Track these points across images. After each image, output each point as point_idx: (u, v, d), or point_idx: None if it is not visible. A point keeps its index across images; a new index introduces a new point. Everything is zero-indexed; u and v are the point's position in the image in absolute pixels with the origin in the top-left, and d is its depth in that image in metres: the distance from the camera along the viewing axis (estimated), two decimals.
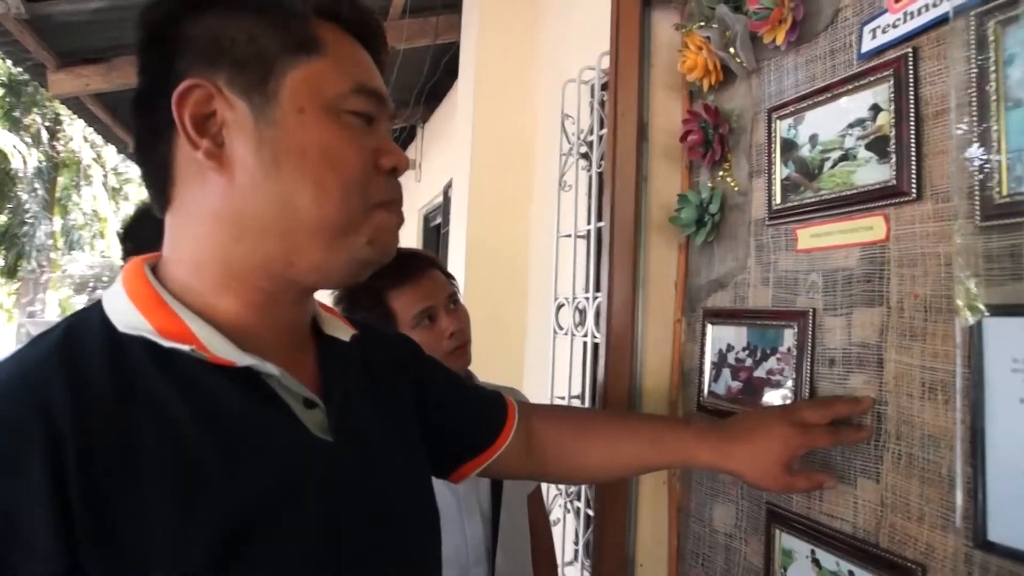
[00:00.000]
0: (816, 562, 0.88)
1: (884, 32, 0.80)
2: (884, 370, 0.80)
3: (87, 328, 0.53)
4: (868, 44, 0.82)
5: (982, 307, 0.69)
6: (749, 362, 1.00)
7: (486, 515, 1.23)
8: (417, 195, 4.46)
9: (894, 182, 0.78)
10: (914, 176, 0.76)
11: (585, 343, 1.75)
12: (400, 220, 0.62)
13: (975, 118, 0.70)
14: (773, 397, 0.95)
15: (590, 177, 1.75)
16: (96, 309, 0.55)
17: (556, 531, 1.73)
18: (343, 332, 0.68)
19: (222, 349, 0.53)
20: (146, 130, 0.57)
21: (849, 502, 0.84)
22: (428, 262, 1.24)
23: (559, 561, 1.59)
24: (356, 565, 0.58)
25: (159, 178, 0.57)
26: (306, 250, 0.56)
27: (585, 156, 1.80)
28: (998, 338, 0.68)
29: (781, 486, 0.82)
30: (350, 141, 0.56)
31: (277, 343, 0.60)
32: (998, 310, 0.68)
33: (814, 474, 0.83)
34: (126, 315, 0.53)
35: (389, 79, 3.59)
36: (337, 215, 0.56)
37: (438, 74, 3.41)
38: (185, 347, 0.52)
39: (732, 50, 0.99)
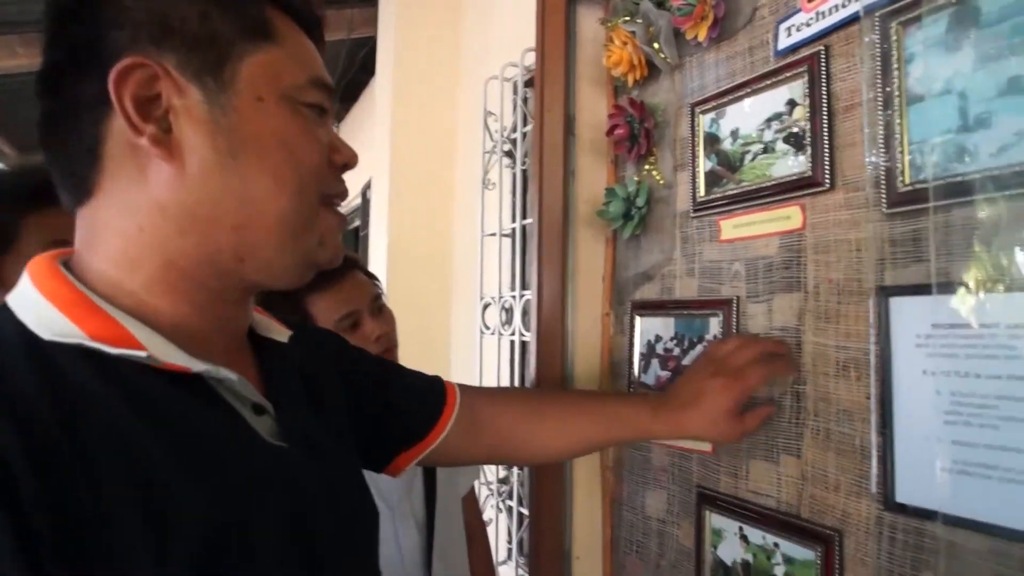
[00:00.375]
0: (744, 538, 0.92)
1: (798, 30, 0.85)
2: (803, 352, 0.85)
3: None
4: (784, 42, 0.87)
5: (887, 288, 0.74)
6: (677, 351, 1.03)
7: (420, 523, 1.21)
8: None
9: (809, 173, 0.83)
10: (827, 167, 0.81)
11: (512, 342, 1.76)
12: (344, 221, 0.61)
13: (880, 112, 0.75)
14: None
15: (514, 175, 1.76)
16: (3, 315, 0.48)
17: (489, 530, 1.73)
18: (279, 334, 0.66)
19: (172, 354, 0.49)
20: (61, 110, 0.51)
21: (773, 478, 0.88)
22: (349, 263, 1.18)
23: (493, 561, 1.59)
24: (332, 568, 0.56)
25: (80, 165, 0.51)
26: (259, 246, 0.53)
27: (509, 154, 1.81)
28: (903, 316, 0.73)
29: (737, 436, 0.87)
30: (308, 133, 0.55)
31: (221, 346, 0.57)
32: (903, 290, 0.73)
33: (759, 411, 0.87)
34: (50, 321, 0.47)
35: None
36: (294, 210, 0.54)
37: (354, 70, 3.34)
38: (138, 353, 0.47)
39: (656, 45, 1.02)
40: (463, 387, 0.88)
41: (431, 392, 0.85)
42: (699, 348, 0.99)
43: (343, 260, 1.21)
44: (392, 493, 1.17)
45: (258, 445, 0.54)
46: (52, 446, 0.41)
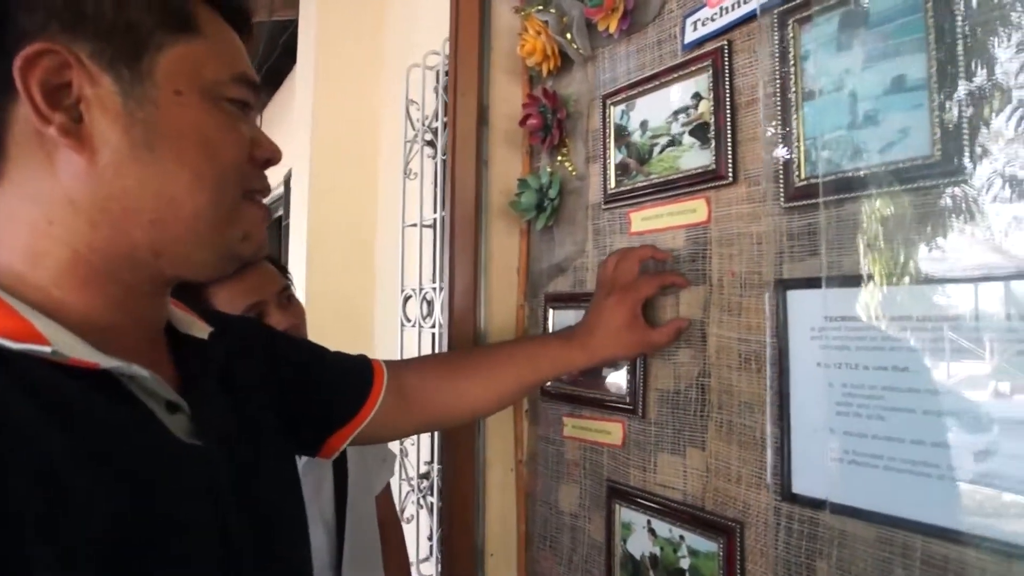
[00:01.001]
0: (652, 531, 0.92)
1: (704, 25, 0.85)
2: (707, 344, 0.86)
3: None
4: (690, 36, 0.87)
5: (784, 281, 0.75)
6: None
7: (329, 525, 1.17)
8: None
9: (714, 166, 0.83)
10: (730, 161, 0.82)
11: (433, 334, 1.73)
12: (268, 215, 0.60)
13: (778, 108, 0.76)
14: (613, 377, 0.99)
15: (436, 164, 1.73)
16: None
17: (410, 528, 1.70)
18: (199, 330, 0.64)
19: (79, 350, 0.47)
20: None
21: (679, 471, 0.89)
22: None
23: (414, 558, 1.56)
24: (248, 568, 0.55)
25: None
26: (176, 241, 0.52)
27: (431, 143, 1.78)
28: (799, 309, 0.74)
29: (646, 346, 0.90)
30: (229, 129, 0.54)
31: (135, 342, 0.54)
32: (799, 283, 0.74)
33: (669, 325, 0.89)
34: None
35: None
36: (213, 206, 0.53)
37: (276, 55, 3.22)
38: (42, 349, 0.45)
39: (569, 36, 1.01)
40: (389, 363, 0.88)
41: (358, 371, 0.84)
42: None
43: None
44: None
45: (170, 443, 0.51)
46: None
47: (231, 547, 0.53)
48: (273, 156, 0.59)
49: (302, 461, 1.06)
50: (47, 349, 0.45)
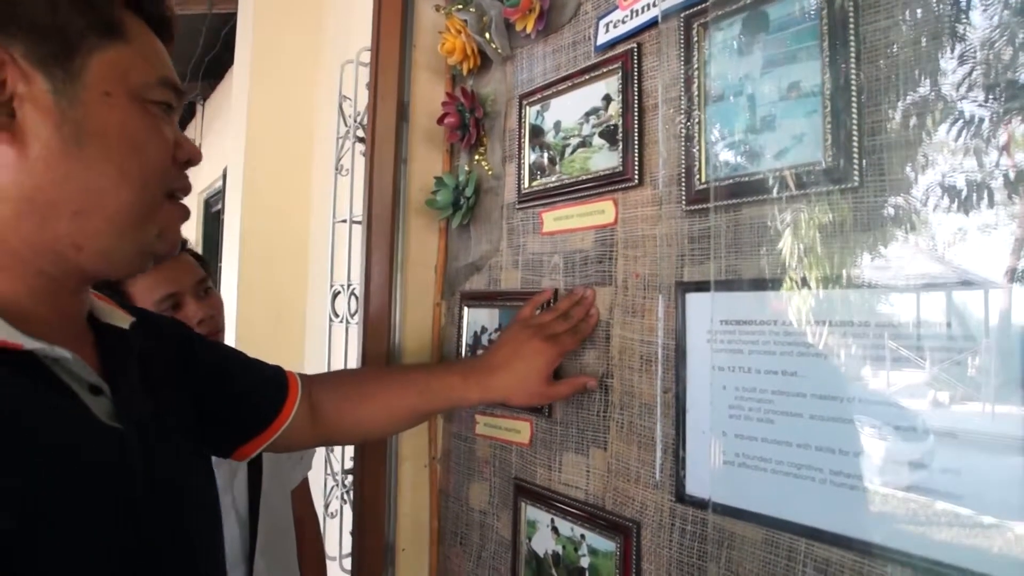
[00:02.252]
0: (555, 529, 0.92)
1: (615, 27, 0.85)
2: (611, 345, 0.86)
3: None
4: (603, 37, 0.87)
5: (684, 284, 0.76)
6: None
7: (243, 517, 1.15)
8: (196, 179, 4.02)
9: (621, 168, 0.83)
10: (636, 163, 0.82)
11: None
12: (186, 214, 0.63)
13: (682, 111, 0.77)
14: None
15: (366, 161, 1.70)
16: None
17: (333, 523, 1.66)
18: (121, 320, 0.66)
19: (5, 331, 0.49)
20: None
21: (583, 471, 0.89)
22: None
23: (337, 553, 1.54)
24: (154, 556, 0.56)
25: None
26: (98, 235, 0.54)
27: (362, 140, 1.75)
28: (696, 312, 0.75)
29: (547, 398, 0.89)
30: (154, 130, 0.56)
31: (58, 328, 0.56)
32: (696, 286, 0.75)
33: (574, 379, 0.88)
34: None
35: None
36: (136, 202, 0.55)
37: (217, 47, 3.14)
38: None
39: (488, 35, 1.01)
40: (303, 377, 0.89)
41: (273, 383, 0.85)
42: None
43: None
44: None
45: (91, 424, 0.54)
46: None
47: (141, 530, 0.54)
48: (193, 157, 0.61)
49: None
50: None
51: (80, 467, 0.51)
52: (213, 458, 1.04)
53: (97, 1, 0.54)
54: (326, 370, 1.83)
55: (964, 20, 0.55)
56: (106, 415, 0.56)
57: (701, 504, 0.73)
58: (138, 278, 1.05)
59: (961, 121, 0.55)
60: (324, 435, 0.90)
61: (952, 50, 0.56)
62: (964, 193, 0.55)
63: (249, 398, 0.83)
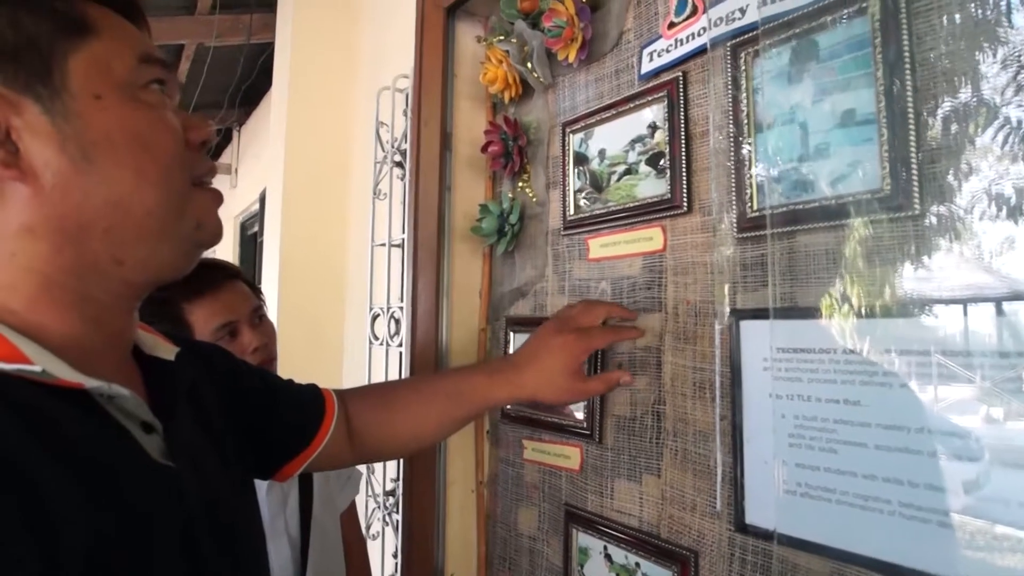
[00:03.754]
0: (608, 557, 0.92)
1: (659, 56, 0.86)
2: (662, 371, 0.86)
3: None
4: (647, 66, 0.88)
5: (738, 311, 0.76)
6: None
7: (294, 539, 1.17)
8: (233, 202, 4.15)
9: (669, 196, 0.84)
10: (685, 191, 0.82)
11: (401, 353, 1.72)
12: (219, 197, 0.60)
13: (731, 139, 0.77)
14: None
15: (404, 186, 1.73)
16: None
17: (375, 545, 1.68)
18: (166, 351, 0.64)
19: (64, 370, 0.48)
20: None
21: (635, 498, 0.89)
22: (230, 273, 1.16)
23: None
24: None
25: None
26: (134, 244, 0.52)
27: (400, 165, 1.78)
28: (752, 339, 0.75)
29: (579, 394, 0.85)
30: (157, 120, 0.53)
31: (110, 362, 0.55)
32: (751, 314, 0.75)
33: (607, 375, 0.86)
34: None
35: (199, 78, 3.35)
36: (163, 200, 0.53)
37: (254, 75, 3.21)
38: (32, 368, 0.46)
39: (530, 65, 1.02)
40: (338, 392, 0.88)
41: (311, 402, 0.85)
42: None
43: (224, 270, 1.18)
44: (265, 509, 1.12)
45: (147, 464, 0.52)
46: None
47: (201, 567, 0.54)
48: (208, 136, 0.59)
49: None
50: (37, 369, 0.46)
51: (141, 509, 0.50)
52: (265, 483, 1.06)
53: (55, 3, 0.51)
54: None
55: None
56: (159, 453, 0.55)
57: (763, 534, 0.73)
58: (198, 307, 1.08)
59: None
60: (362, 449, 0.89)
61: (1016, 76, 0.56)
62: None
63: (289, 418, 0.82)
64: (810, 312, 0.69)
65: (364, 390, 0.96)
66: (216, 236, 0.59)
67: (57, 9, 0.50)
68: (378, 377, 1.85)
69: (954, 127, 0.59)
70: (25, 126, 0.48)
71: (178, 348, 0.66)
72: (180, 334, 1.03)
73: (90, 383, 0.49)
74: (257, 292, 1.21)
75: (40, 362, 0.47)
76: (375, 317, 1.87)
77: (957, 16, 0.59)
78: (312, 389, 0.87)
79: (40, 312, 0.50)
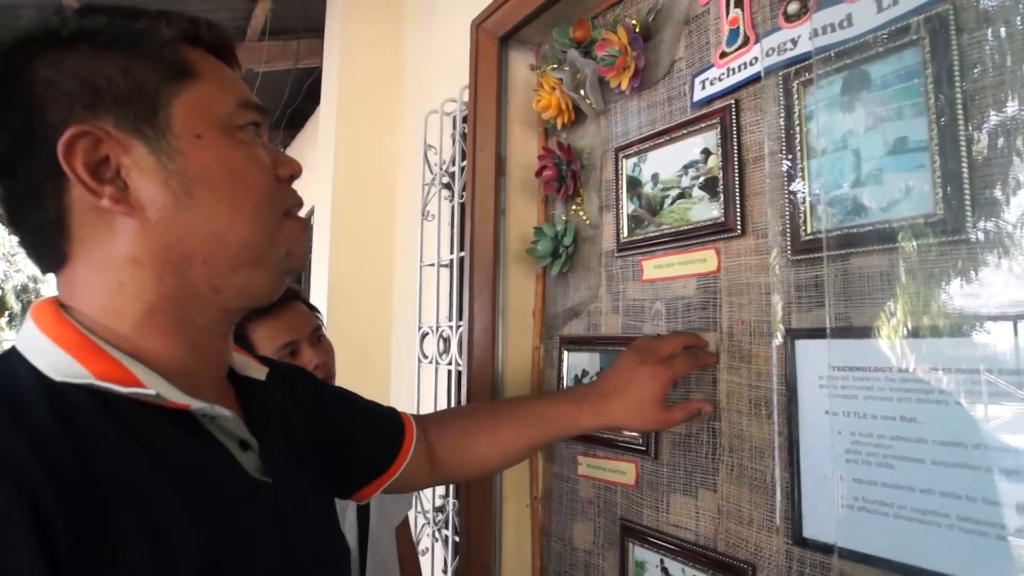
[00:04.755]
0: (665, 570, 0.94)
1: (712, 84, 0.89)
2: (717, 389, 0.88)
3: (13, 380, 0.49)
4: (699, 94, 0.91)
5: (793, 331, 0.78)
6: None
7: (353, 555, 1.21)
8: None
9: (723, 219, 0.87)
10: (739, 214, 0.85)
11: (450, 371, 1.76)
12: (305, 226, 0.64)
13: (785, 165, 0.80)
14: None
15: (452, 207, 1.78)
16: (14, 358, 0.51)
17: (425, 560, 1.72)
18: (256, 371, 0.68)
19: (174, 393, 0.52)
20: (20, 190, 0.53)
21: (691, 512, 0.91)
22: (291, 295, 1.22)
23: None
24: None
25: (49, 236, 0.54)
26: (231, 273, 0.56)
27: (447, 186, 1.83)
28: (807, 358, 0.77)
29: (663, 423, 0.88)
30: (251, 157, 0.57)
31: (210, 383, 0.59)
32: (807, 333, 0.77)
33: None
34: (59, 362, 0.50)
35: None
36: (256, 231, 0.56)
37: (300, 99, 3.33)
38: (147, 392, 0.50)
39: (582, 92, 1.06)
40: (415, 417, 0.91)
41: (391, 425, 0.88)
42: None
43: (286, 292, 1.24)
44: None
45: (247, 481, 0.56)
46: (71, 484, 0.44)
47: None
48: (296, 171, 0.62)
49: None
50: (151, 392, 0.50)
51: (244, 525, 0.53)
52: None
53: (162, 50, 0.54)
54: (415, 409, 1.91)
55: None
56: (255, 469, 0.58)
57: (823, 548, 0.75)
58: (260, 327, 1.14)
59: None
60: (441, 473, 0.92)
61: None
62: None
63: (371, 440, 0.85)
64: (865, 332, 0.71)
65: (443, 415, 1.00)
66: (302, 263, 0.63)
67: (164, 57, 0.54)
68: (427, 394, 1.90)
69: (1004, 148, 0.61)
70: (133, 164, 0.52)
71: (267, 368, 0.70)
72: None
73: (195, 404, 0.53)
74: (315, 312, 1.27)
75: (153, 385, 0.51)
76: (424, 336, 1.92)
77: (1002, 30, 0.62)
78: (392, 413, 0.90)
79: (146, 337, 0.54)
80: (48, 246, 0.54)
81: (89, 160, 0.50)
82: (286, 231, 0.60)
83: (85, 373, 0.49)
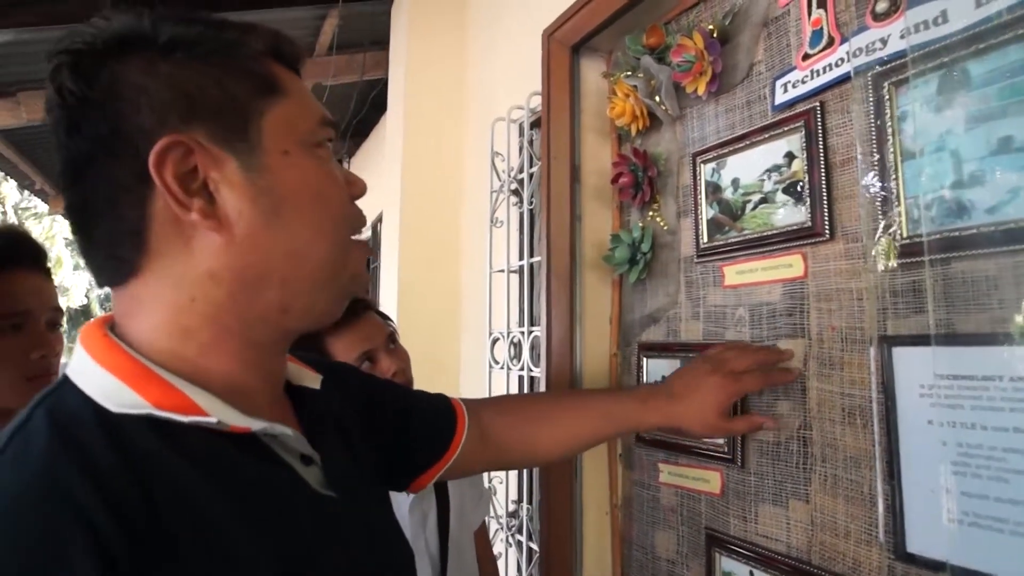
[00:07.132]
0: None
1: (794, 87, 0.87)
2: (807, 397, 0.86)
3: (71, 414, 0.47)
4: (780, 97, 0.89)
5: (890, 338, 0.76)
6: None
7: (434, 558, 1.23)
8: None
9: (809, 223, 0.85)
10: (827, 218, 0.83)
11: (521, 376, 1.77)
12: (368, 249, 0.65)
13: (877, 168, 0.77)
14: None
15: (521, 213, 1.79)
16: (69, 390, 0.49)
17: (500, 565, 1.73)
18: (312, 380, 0.67)
19: (234, 417, 0.51)
20: (95, 197, 0.51)
21: (782, 523, 0.89)
22: (364, 306, 1.25)
23: None
24: None
25: (122, 248, 0.51)
26: (302, 294, 0.55)
27: (516, 193, 1.84)
28: (906, 366, 0.74)
29: (723, 432, 0.90)
30: (330, 176, 0.56)
31: (267, 400, 0.58)
32: (905, 340, 0.75)
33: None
34: (115, 392, 0.48)
35: None
36: (333, 253, 0.56)
37: (365, 109, 3.41)
38: (208, 420, 0.49)
39: (657, 98, 1.05)
40: (467, 401, 0.91)
41: (443, 413, 0.88)
42: None
43: (359, 303, 1.27)
44: (407, 528, 1.19)
45: (312, 497, 0.56)
46: (134, 517, 0.43)
47: None
48: (363, 191, 0.61)
49: (410, 497, 1.15)
50: (212, 420, 0.49)
51: (315, 542, 0.53)
52: (408, 504, 1.11)
53: (253, 63, 0.53)
54: None
55: None
56: (317, 483, 0.57)
57: (925, 563, 0.72)
58: (338, 339, 1.17)
59: None
60: (495, 458, 0.92)
61: None
62: None
63: (424, 431, 0.84)
64: (972, 339, 0.68)
65: (499, 400, 0.99)
66: (362, 287, 0.63)
67: (254, 71, 0.53)
68: None
69: None
70: (223, 179, 0.50)
71: (320, 375, 0.68)
72: None
73: (256, 425, 0.52)
74: (387, 320, 1.30)
75: (214, 412, 0.49)
76: (495, 341, 1.94)
77: None
78: (441, 399, 0.90)
79: (209, 357, 0.53)
80: (119, 258, 0.51)
81: (179, 171, 0.49)
82: (354, 254, 0.60)
83: (143, 403, 0.48)
